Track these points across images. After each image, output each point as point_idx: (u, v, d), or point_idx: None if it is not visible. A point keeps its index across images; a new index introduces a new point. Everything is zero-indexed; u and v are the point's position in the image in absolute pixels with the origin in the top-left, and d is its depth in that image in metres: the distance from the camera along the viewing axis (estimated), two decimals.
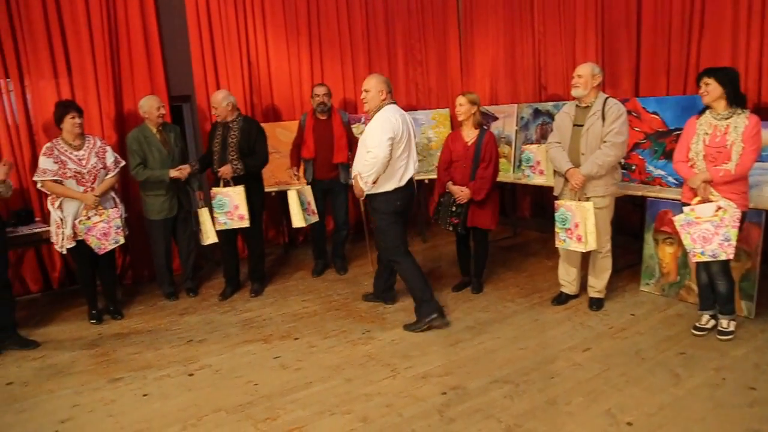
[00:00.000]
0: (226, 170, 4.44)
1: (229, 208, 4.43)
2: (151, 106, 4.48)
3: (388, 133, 3.74)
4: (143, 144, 4.46)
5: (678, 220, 3.48)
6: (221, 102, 4.49)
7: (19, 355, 3.82)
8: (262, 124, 4.81)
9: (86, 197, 4.04)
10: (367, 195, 3.91)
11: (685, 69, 4.69)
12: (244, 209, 4.43)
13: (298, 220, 4.75)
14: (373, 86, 3.83)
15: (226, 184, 4.46)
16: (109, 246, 4.17)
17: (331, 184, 5.02)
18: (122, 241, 4.23)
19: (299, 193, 4.75)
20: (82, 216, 4.05)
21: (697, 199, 3.42)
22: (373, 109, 3.86)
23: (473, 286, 4.58)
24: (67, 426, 2.94)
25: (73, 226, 4.06)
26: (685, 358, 3.27)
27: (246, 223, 4.47)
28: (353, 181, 3.97)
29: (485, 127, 4.38)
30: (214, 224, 4.54)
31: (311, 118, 4.96)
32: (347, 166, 4.92)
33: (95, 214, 4.08)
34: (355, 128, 5.60)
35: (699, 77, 3.42)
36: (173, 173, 4.46)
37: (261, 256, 4.87)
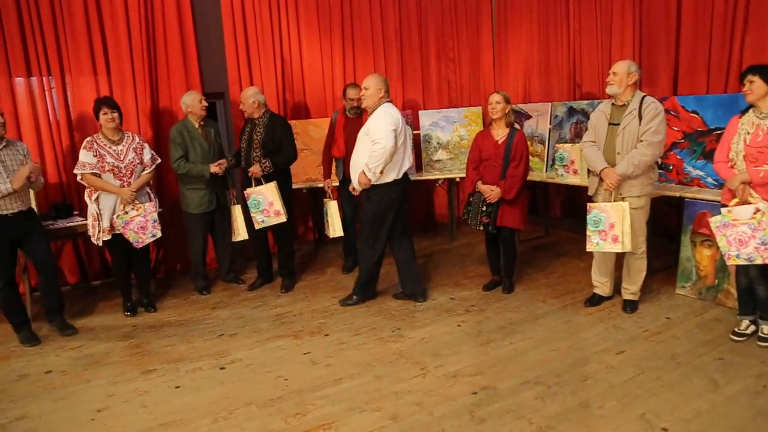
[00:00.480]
0: (255, 170, 4.50)
1: (264, 205, 4.47)
2: (193, 100, 4.58)
3: (392, 125, 3.99)
4: (186, 138, 4.54)
5: (714, 221, 3.38)
6: (248, 98, 4.55)
7: (57, 345, 3.93)
8: (294, 121, 4.86)
9: (123, 192, 4.13)
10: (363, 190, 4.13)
11: (726, 66, 4.53)
12: (279, 205, 4.48)
13: (338, 229, 4.88)
14: (373, 85, 4.07)
15: (258, 183, 4.51)
16: (147, 239, 4.24)
17: None
18: (159, 234, 4.29)
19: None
20: (119, 211, 4.14)
21: (735, 200, 3.32)
22: (371, 106, 4.10)
23: (504, 286, 4.53)
24: (103, 415, 3.01)
25: (111, 221, 4.14)
26: (723, 364, 3.18)
27: (283, 218, 4.50)
28: (357, 174, 4.09)
29: (516, 125, 4.33)
30: (254, 224, 4.57)
31: (342, 116, 4.96)
32: None
33: (132, 209, 4.15)
34: None
35: (743, 75, 3.32)
36: (213, 168, 4.53)
37: (290, 253, 4.89)
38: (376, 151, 3.95)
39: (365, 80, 4.15)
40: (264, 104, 4.64)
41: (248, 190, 4.51)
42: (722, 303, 3.98)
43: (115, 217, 4.13)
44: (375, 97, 4.08)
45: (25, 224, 3.87)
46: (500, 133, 4.26)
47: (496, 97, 4.23)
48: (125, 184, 4.16)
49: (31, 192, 4.02)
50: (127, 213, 4.14)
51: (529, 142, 4.63)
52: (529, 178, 4.33)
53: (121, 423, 2.92)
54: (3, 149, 3.78)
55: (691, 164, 4.48)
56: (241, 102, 4.64)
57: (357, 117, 4.92)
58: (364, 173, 4.03)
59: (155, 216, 4.26)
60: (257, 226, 4.57)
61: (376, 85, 4.08)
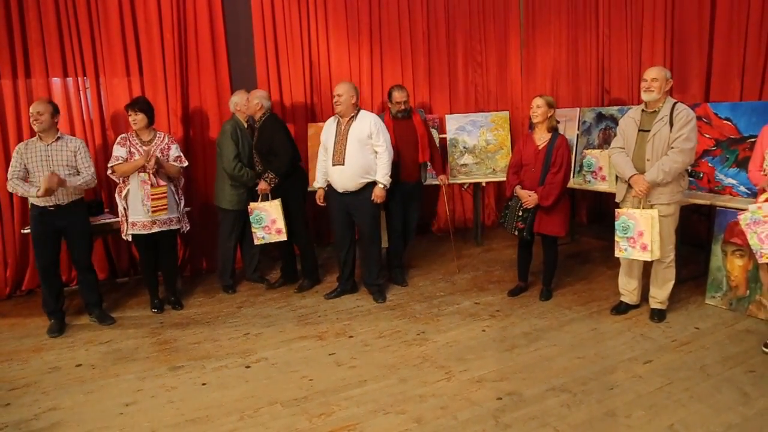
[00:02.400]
0: (263, 186, 4.51)
1: (266, 222, 4.48)
2: (242, 99, 4.68)
3: (386, 132, 4.34)
4: (239, 135, 4.61)
5: (744, 218, 3.31)
6: (252, 98, 4.57)
7: (87, 339, 4.02)
8: (322, 123, 4.83)
9: (143, 158, 4.11)
10: (366, 189, 4.34)
11: (762, 71, 4.45)
12: (281, 223, 4.48)
13: (384, 240, 4.80)
14: (345, 91, 4.26)
15: (264, 198, 4.53)
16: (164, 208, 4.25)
17: (414, 187, 4.83)
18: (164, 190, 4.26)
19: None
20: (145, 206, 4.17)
21: (765, 195, 3.25)
22: (345, 112, 4.27)
23: (542, 294, 4.45)
24: (131, 409, 3.06)
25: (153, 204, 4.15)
26: (754, 377, 3.12)
27: (283, 237, 4.51)
28: (358, 180, 4.29)
29: (558, 131, 4.22)
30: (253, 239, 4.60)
31: (389, 119, 4.74)
32: (424, 165, 4.93)
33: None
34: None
35: None
36: (263, 185, 4.52)
37: (306, 254, 4.88)
38: (386, 158, 4.30)
39: (338, 87, 4.28)
40: (266, 108, 4.58)
41: (252, 205, 4.52)
42: (754, 314, 3.90)
43: (144, 208, 4.15)
44: (349, 104, 4.26)
45: (65, 218, 4.01)
46: (542, 137, 4.16)
47: (537, 101, 4.13)
48: (146, 182, 4.18)
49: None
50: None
51: None
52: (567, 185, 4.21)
53: (149, 417, 2.97)
54: (52, 143, 3.97)
55: (723, 172, 4.40)
56: (247, 99, 4.65)
57: (406, 119, 4.76)
58: (385, 186, 4.32)
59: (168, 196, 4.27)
60: (256, 242, 4.58)
61: (348, 92, 4.25)
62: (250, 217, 4.53)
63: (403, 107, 4.72)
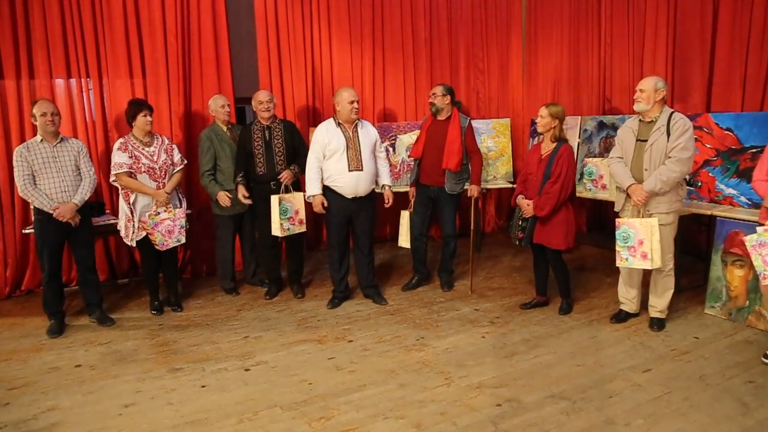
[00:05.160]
0: (287, 176, 4.52)
1: (291, 213, 4.48)
2: (216, 104, 4.69)
3: None
4: (215, 141, 4.62)
5: (750, 240, 3.32)
6: (273, 99, 4.60)
7: (86, 340, 4.01)
8: None
9: (159, 194, 4.20)
10: (370, 194, 4.47)
11: (764, 82, 4.48)
12: (303, 214, 4.51)
13: (405, 240, 4.74)
14: (359, 99, 4.35)
15: (286, 190, 4.53)
16: (171, 244, 4.30)
17: (438, 192, 4.70)
18: (183, 240, 4.36)
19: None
20: (151, 211, 4.21)
21: None
22: (357, 118, 4.34)
23: (560, 308, 4.34)
24: (131, 410, 3.06)
25: (141, 219, 4.20)
26: (754, 387, 3.12)
27: (304, 228, 4.54)
28: (387, 191, 4.50)
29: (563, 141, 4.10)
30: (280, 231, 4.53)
31: (430, 116, 4.77)
32: (455, 174, 4.65)
33: (165, 210, 4.23)
34: None
35: None
36: (223, 200, 4.58)
37: (297, 254, 4.90)
38: (388, 162, 4.53)
39: (354, 93, 4.28)
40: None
41: (280, 197, 4.47)
42: (753, 325, 3.91)
43: (146, 216, 4.20)
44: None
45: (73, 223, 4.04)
46: (547, 147, 4.10)
47: (542, 111, 4.08)
48: (160, 185, 4.24)
49: None
50: (158, 214, 4.21)
51: None
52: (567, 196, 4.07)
53: (148, 419, 2.96)
54: (57, 145, 4.00)
55: (724, 182, 4.42)
56: (261, 102, 4.49)
57: (444, 120, 4.65)
58: (391, 186, 4.51)
59: (183, 222, 4.33)
60: (282, 233, 4.49)
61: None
62: (279, 208, 4.44)
63: (431, 100, 4.66)
